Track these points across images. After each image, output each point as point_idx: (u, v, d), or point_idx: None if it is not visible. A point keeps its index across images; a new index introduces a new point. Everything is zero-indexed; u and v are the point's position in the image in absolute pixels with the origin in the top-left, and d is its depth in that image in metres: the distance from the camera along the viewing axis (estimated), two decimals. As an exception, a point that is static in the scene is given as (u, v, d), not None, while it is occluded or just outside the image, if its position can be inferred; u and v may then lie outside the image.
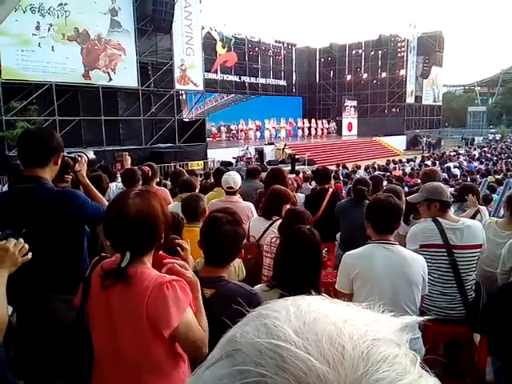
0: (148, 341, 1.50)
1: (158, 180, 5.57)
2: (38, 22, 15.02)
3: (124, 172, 4.13)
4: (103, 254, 1.78)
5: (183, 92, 22.32)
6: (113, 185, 4.22)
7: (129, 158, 3.35)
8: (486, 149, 29.37)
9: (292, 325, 0.36)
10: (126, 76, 17.65)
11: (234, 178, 4.10)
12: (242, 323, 0.40)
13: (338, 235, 4.61)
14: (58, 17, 15.58)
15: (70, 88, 16.42)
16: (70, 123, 15.81)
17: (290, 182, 5.09)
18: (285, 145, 24.32)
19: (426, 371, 0.37)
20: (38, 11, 15.04)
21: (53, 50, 15.46)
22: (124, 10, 17.39)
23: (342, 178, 12.33)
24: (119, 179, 6.44)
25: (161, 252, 2.42)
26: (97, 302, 1.63)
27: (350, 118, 36.31)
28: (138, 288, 1.50)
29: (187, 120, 22.27)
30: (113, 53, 17.26)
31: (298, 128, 32.81)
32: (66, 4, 15.64)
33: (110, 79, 17.32)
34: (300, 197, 6.71)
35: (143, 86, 18.45)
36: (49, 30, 15.36)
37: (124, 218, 1.53)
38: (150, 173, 4.48)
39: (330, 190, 5.10)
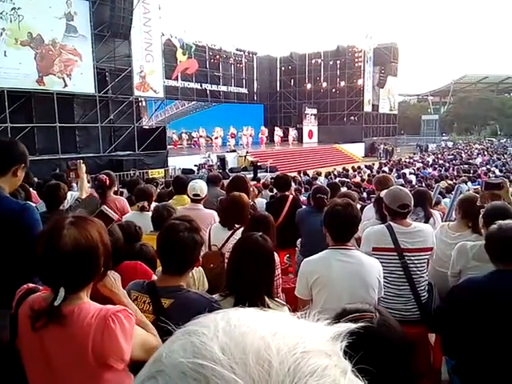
0: (98, 375, 1.38)
1: (116, 189, 5.44)
2: (-11, 27, 14.43)
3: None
4: (30, 285, 1.56)
5: (143, 99, 21.97)
6: (68, 194, 4.08)
7: (83, 166, 3.21)
8: (439, 155, 30.66)
9: (219, 341, 0.35)
10: (83, 82, 17.18)
11: (200, 186, 4.14)
12: (170, 341, 0.37)
13: (298, 241, 4.65)
14: (10, 21, 15.05)
15: (23, 94, 15.83)
16: (23, 130, 15.19)
17: (251, 189, 5.10)
18: (247, 152, 24.42)
19: (359, 379, 0.36)
20: (-10, 15, 14.45)
21: (5, 55, 14.90)
22: (80, 14, 16.95)
23: (303, 185, 12.48)
24: (75, 188, 6.24)
25: (139, 262, 2.40)
26: (28, 343, 1.44)
27: (310, 125, 36.95)
28: (78, 327, 1.34)
29: (147, 127, 21.90)
30: (68, 58, 16.77)
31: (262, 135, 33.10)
32: (19, 8, 15.11)
33: (66, 85, 16.80)
34: (262, 202, 6.74)
35: (100, 92, 18.00)
36: (1, 34, 14.82)
37: (58, 250, 1.34)
38: (108, 181, 4.36)
39: (291, 196, 5.14)
